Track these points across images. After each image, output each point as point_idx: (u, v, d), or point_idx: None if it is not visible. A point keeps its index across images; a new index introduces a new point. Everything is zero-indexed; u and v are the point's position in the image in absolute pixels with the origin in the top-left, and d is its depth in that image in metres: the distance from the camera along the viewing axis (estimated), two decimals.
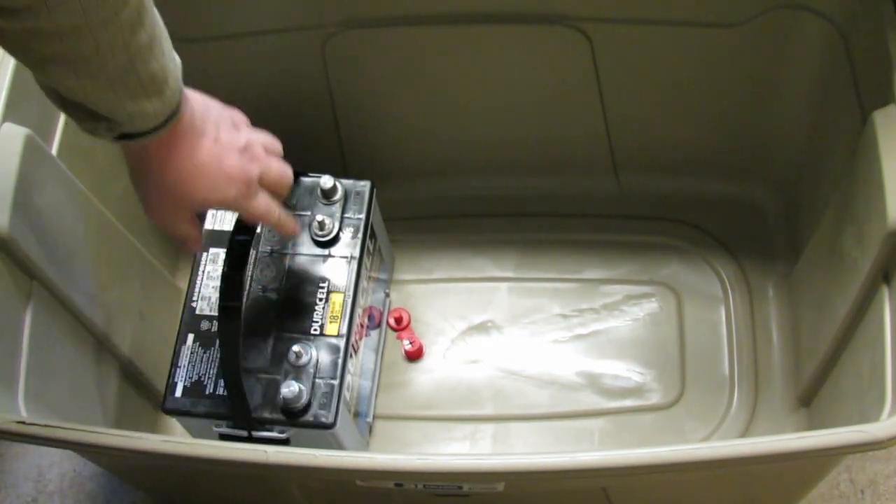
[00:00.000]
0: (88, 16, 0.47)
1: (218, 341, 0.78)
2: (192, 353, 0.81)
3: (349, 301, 0.82)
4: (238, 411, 0.76)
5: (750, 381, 0.93)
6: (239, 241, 0.73)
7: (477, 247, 1.02)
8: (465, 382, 0.95)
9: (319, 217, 0.84)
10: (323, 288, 0.82)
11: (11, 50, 0.51)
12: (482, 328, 0.98)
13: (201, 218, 0.81)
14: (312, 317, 0.81)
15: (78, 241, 0.79)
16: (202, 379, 0.80)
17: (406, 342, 0.96)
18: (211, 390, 0.79)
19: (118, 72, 0.52)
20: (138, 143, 0.58)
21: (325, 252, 0.84)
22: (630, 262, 1.00)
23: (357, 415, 0.86)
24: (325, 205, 0.85)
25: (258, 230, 0.80)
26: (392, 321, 0.98)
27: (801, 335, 0.90)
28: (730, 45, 0.87)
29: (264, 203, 0.68)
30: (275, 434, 0.78)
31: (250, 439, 0.78)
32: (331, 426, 0.77)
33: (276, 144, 0.71)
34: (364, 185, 0.86)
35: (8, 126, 0.71)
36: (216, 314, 0.82)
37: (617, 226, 1.02)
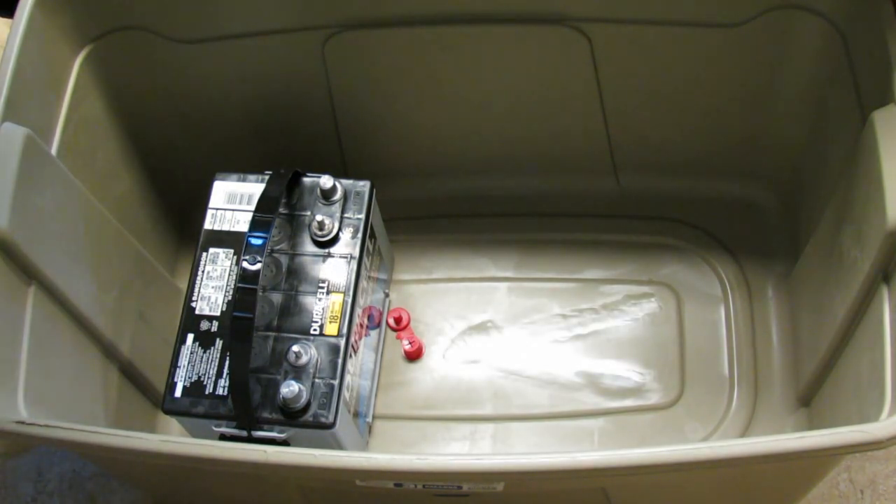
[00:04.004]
0: None
1: (228, 354, 0.78)
2: (191, 353, 0.81)
3: (349, 301, 0.82)
4: (241, 420, 0.77)
5: (750, 381, 0.93)
6: (254, 247, 0.73)
7: (477, 247, 1.02)
8: (465, 382, 0.96)
9: (319, 217, 0.84)
10: (322, 288, 0.82)
11: None
12: (482, 328, 0.98)
13: None
14: (312, 317, 0.81)
15: (78, 241, 0.79)
16: (202, 379, 0.80)
17: (405, 342, 0.96)
18: (210, 390, 0.79)
19: None
20: None
21: (325, 252, 0.84)
22: (630, 262, 1.00)
23: (356, 415, 0.86)
24: (325, 205, 0.85)
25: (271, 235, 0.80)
26: (391, 321, 0.98)
27: (801, 335, 0.90)
28: (730, 45, 0.87)
29: None
30: (274, 434, 0.78)
31: (250, 439, 0.78)
32: (330, 426, 0.77)
33: None
34: (364, 185, 0.86)
35: (8, 126, 0.71)
36: (216, 314, 0.82)
37: (617, 226, 1.02)
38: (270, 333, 0.81)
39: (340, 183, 0.86)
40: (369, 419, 0.92)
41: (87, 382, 0.81)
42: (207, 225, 0.85)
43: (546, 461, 0.60)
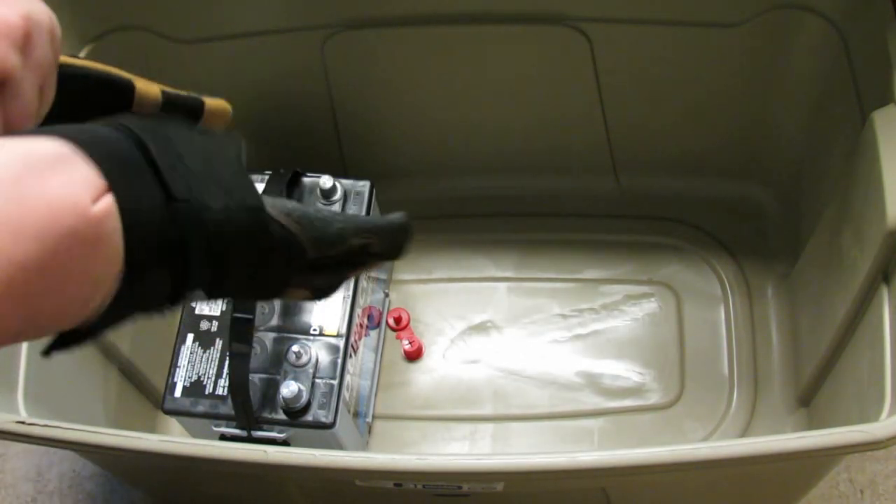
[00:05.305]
0: None
1: (228, 354, 0.78)
2: (191, 352, 0.81)
3: (348, 301, 0.82)
4: (241, 420, 0.77)
5: (749, 381, 0.93)
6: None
7: (477, 247, 1.02)
8: (465, 382, 0.95)
9: None
10: None
11: None
12: (481, 328, 0.98)
13: None
14: (312, 317, 0.81)
15: None
16: (202, 379, 0.80)
17: (405, 342, 0.96)
18: (210, 390, 0.79)
19: None
20: None
21: None
22: (630, 262, 1.00)
23: (356, 415, 0.86)
24: (325, 205, 0.85)
25: None
26: (391, 321, 0.98)
27: (801, 335, 0.90)
28: (730, 45, 0.87)
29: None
30: (274, 434, 0.78)
31: (250, 439, 0.78)
32: (330, 426, 0.77)
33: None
34: (364, 185, 0.86)
35: None
36: (216, 314, 0.82)
37: (617, 226, 1.02)
38: (270, 333, 0.81)
39: (340, 183, 0.86)
40: (369, 419, 0.92)
41: (87, 382, 0.81)
42: None
43: (546, 461, 0.60)
